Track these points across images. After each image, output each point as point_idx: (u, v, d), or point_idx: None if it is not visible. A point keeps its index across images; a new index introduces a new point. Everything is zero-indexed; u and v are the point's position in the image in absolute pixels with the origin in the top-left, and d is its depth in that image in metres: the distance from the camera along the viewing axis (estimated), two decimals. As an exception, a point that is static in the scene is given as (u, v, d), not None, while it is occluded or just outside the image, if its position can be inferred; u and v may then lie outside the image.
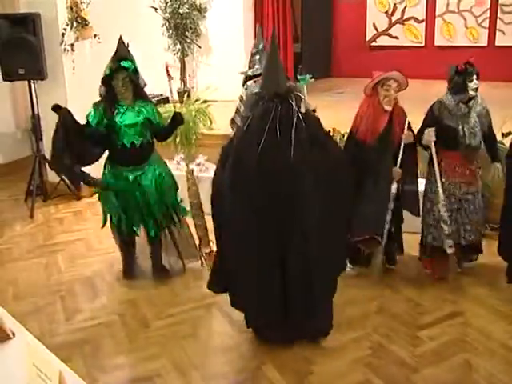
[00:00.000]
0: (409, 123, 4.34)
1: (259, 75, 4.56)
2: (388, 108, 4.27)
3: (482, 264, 4.72)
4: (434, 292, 4.37)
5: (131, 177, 4.43)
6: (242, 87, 5.05)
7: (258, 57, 4.68)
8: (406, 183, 4.48)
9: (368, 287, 4.45)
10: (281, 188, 3.26)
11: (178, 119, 4.61)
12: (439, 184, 4.37)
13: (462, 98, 4.28)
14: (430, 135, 4.31)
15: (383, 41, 10.60)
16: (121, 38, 4.37)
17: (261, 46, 4.71)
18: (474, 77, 4.24)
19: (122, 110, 4.37)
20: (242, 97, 5.04)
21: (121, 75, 4.31)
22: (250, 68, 4.80)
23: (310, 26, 10.01)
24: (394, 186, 4.34)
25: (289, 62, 8.85)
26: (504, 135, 5.57)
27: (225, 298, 4.26)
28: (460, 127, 4.30)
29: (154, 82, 7.71)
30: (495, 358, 3.56)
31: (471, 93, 4.26)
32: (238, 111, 4.99)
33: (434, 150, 4.35)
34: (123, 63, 4.30)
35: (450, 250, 4.41)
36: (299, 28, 10.35)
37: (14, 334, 2.34)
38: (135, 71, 4.37)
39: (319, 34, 10.12)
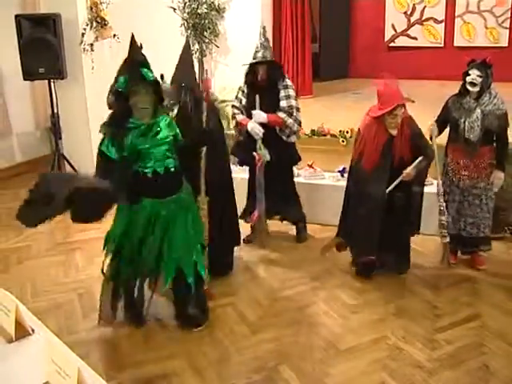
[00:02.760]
0: (420, 160, 4.24)
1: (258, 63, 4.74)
2: (394, 132, 4.27)
3: (499, 267, 4.71)
4: (450, 294, 4.35)
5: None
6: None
7: (259, 50, 4.76)
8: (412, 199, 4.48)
9: (386, 289, 4.44)
10: None
11: (203, 139, 4.01)
12: (438, 176, 4.54)
13: (471, 94, 4.41)
14: (431, 129, 4.55)
15: (402, 41, 10.50)
16: (133, 36, 3.55)
17: (264, 42, 4.79)
18: (473, 71, 4.32)
19: (137, 130, 3.49)
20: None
21: (143, 89, 3.42)
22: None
23: (327, 27, 9.97)
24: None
25: (307, 62, 8.83)
26: None
27: (241, 298, 4.32)
28: (462, 120, 4.44)
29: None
30: (512, 362, 3.53)
31: (468, 86, 4.38)
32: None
33: (435, 142, 4.52)
34: (145, 72, 3.41)
35: (444, 240, 4.55)
36: (317, 28, 10.33)
37: (33, 331, 2.38)
38: (157, 81, 3.51)
39: (337, 35, 10.08)
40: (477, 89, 4.36)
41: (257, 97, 4.77)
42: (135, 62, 3.43)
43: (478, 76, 4.33)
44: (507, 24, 10.07)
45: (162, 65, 7.28)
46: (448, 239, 4.53)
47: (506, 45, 10.03)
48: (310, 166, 5.67)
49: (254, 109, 4.79)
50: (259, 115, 4.77)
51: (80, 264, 5.02)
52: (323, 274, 4.72)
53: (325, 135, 5.98)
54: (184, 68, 4.14)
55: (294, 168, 5.22)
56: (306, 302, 4.30)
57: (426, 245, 4.99)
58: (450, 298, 4.28)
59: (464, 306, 4.19)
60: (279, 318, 4.11)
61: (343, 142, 5.79)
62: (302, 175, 5.54)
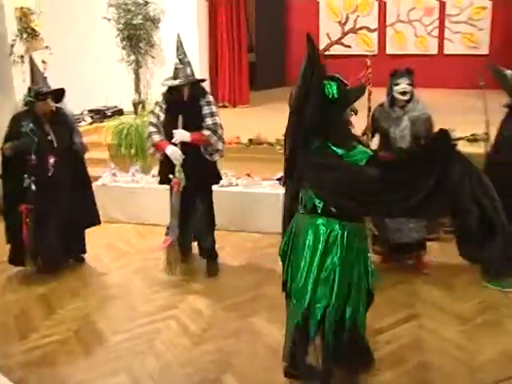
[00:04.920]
0: None
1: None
2: None
3: (435, 266, 4.84)
4: (389, 296, 4.42)
5: None
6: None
7: (180, 67, 4.54)
8: None
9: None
10: None
11: None
12: None
13: (395, 101, 4.52)
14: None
15: (337, 50, 10.76)
16: None
17: (184, 58, 4.58)
18: (402, 80, 4.42)
19: None
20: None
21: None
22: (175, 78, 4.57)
23: (264, 36, 10.08)
24: None
25: (243, 72, 8.89)
26: (468, 140, 5.74)
27: (183, 310, 4.28)
28: (392, 130, 4.53)
29: (109, 94, 7.68)
30: (449, 359, 3.64)
31: (397, 96, 4.48)
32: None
33: None
34: None
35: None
36: (254, 38, 10.41)
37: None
38: None
39: (273, 44, 10.20)
40: (407, 97, 4.49)
41: (180, 117, 4.51)
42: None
43: (407, 84, 4.46)
44: (436, 33, 10.47)
45: (97, 76, 7.21)
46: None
47: (436, 53, 10.42)
48: (248, 175, 5.70)
49: (175, 128, 4.52)
50: (182, 135, 4.51)
51: (13, 285, 4.87)
52: (264, 282, 4.72)
53: (262, 144, 6.01)
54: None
55: (232, 177, 5.19)
56: (249, 311, 4.30)
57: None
58: (388, 300, 4.35)
59: (403, 307, 4.28)
60: (222, 328, 4.09)
61: (280, 150, 5.82)
62: (240, 184, 5.55)
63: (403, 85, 4.46)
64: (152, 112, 4.78)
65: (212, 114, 4.63)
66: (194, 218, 4.76)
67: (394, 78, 4.51)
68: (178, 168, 4.55)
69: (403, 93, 4.48)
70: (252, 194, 5.62)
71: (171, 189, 4.66)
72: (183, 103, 4.59)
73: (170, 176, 4.59)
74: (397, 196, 2.83)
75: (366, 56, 4.46)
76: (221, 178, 4.98)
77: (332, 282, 3.02)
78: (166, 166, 4.66)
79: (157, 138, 4.63)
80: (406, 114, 4.51)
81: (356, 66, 10.08)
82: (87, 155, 5.15)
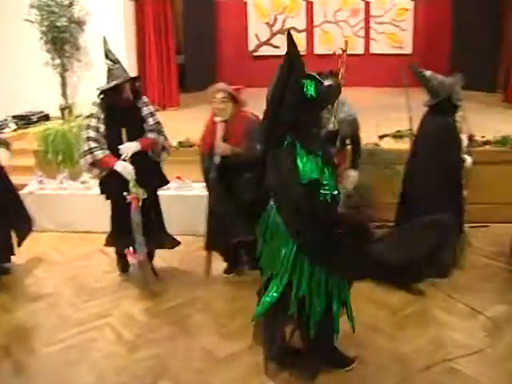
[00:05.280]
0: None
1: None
2: (218, 119, 4.29)
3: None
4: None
5: None
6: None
7: (114, 67, 4.33)
8: None
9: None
10: None
11: None
12: None
13: None
14: None
15: (266, 50, 10.86)
16: None
17: (115, 57, 4.39)
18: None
19: None
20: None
21: None
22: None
23: (192, 38, 10.02)
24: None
25: (172, 74, 8.83)
26: (380, 138, 5.92)
27: (117, 317, 4.21)
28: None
29: (34, 99, 7.44)
30: (382, 351, 3.74)
31: None
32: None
33: None
34: None
35: None
36: (182, 39, 10.35)
37: None
38: None
39: (202, 45, 10.15)
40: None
41: (123, 130, 4.33)
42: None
43: None
44: (362, 33, 10.76)
45: (21, 80, 6.97)
46: None
47: (362, 52, 10.70)
48: (179, 178, 5.66)
49: (119, 140, 4.34)
50: (130, 148, 4.34)
51: None
52: (197, 284, 4.72)
53: (192, 146, 5.99)
54: None
55: None
56: (183, 315, 4.28)
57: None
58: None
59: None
60: (157, 333, 4.05)
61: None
62: (171, 187, 5.51)
63: None
64: (88, 126, 4.41)
65: (152, 114, 4.55)
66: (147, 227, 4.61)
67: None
68: (132, 183, 4.37)
69: None
70: (183, 196, 5.61)
71: (117, 204, 4.52)
72: (122, 109, 4.36)
73: (125, 194, 4.38)
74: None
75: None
76: (168, 181, 4.89)
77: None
78: (114, 181, 4.40)
79: (100, 154, 4.32)
80: (332, 116, 4.57)
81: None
82: (12, 163, 4.97)
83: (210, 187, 4.39)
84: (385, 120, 6.25)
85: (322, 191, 3.02)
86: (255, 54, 10.88)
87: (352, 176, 4.66)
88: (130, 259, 4.76)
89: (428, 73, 4.59)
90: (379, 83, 9.78)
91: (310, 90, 2.97)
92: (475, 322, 4.07)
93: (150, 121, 4.49)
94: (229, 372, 3.58)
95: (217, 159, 4.17)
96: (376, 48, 10.70)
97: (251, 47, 10.91)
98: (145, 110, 4.50)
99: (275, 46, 10.84)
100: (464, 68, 5.42)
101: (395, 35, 10.74)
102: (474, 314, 4.18)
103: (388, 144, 5.88)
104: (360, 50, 10.73)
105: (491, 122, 6.83)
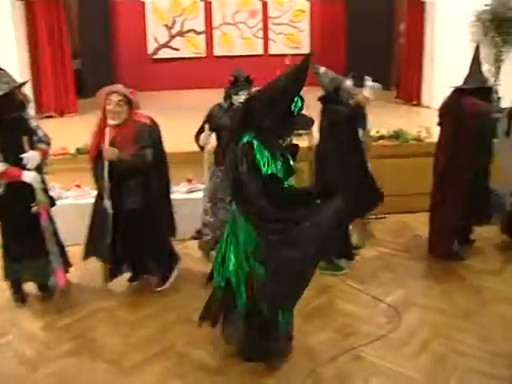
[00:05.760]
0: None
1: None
2: (112, 123, 4.15)
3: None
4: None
5: None
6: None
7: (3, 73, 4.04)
8: None
9: (164, 301, 4.44)
10: None
11: None
12: (206, 182, 4.79)
13: (228, 104, 4.61)
14: (205, 138, 4.64)
15: (165, 53, 10.76)
16: None
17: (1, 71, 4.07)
18: (242, 92, 4.48)
19: None
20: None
21: None
22: None
23: (88, 42, 9.75)
24: (106, 201, 4.21)
25: (68, 80, 8.54)
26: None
27: (17, 335, 4.00)
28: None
29: None
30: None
31: (237, 104, 4.51)
32: None
33: (207, 150, 4.74)
34: None
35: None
36: (77, 44, 10.02)
37: None
38: None
39: (99, 49, 9.91)
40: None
41: (24, 138, 4.07)
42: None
43: (247, 95, 4.52)
44: (260, 34, 10.91)
45: None
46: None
47: (262, 53, 10.86)
48: (78, 186, 5.47)
49: (17, 151, 4.06)
50: (34, 158, 4.10)
51: None
52: (98, 296, 4.56)
53: (90, 153, 5.79)
54: None
55: (61, 190, 4.93)
56: (86, 327, 4.13)
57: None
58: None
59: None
60: (59, 348, 3.87)
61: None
62: (69, 196, 5.31)
63: (243, 96, 4.49)
64: None
65: (38, 126, 4.33)
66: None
67: (235, 88, 4.51)
68: (40, 192, 4.14)
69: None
70: (83, 205, 5.37)
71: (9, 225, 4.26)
72: (12, 119, 4.06)
73: (33, 205, 4.11)
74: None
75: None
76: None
77: None
78: (12, 196, 4.11)
79: (1, 166, 4.00)
80: None
81: (185, 68, 10.30)
82: None
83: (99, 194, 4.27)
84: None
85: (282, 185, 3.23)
86: (154, 56, 10.74)
87: None
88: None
89: (322, 69, 4.76)
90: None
91: (297, 107, 3.20)
92: (378, 310, 4.24)
93: (40, 132, 4.28)
94: (138, 381, 3.49)
95: (106, 164, 4.06)
96: (275, 48, 10.90)
97: (150, 50, 10.77)
98: (33, 122, 4.30)
99: (175, 49, 10.76)
100: (359, 66, 5.63)
101: (293, 36, 11.00)
102: (376, 302, 4.34)
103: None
104: (259, 51, 10.89)
105: (386, 117, 7.14)
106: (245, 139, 3.17)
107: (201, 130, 4.73)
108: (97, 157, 4.18)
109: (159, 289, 4.59)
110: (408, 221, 5.92)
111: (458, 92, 4.78)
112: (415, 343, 3.82)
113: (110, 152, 4.08)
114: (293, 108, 3.19)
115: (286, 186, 3.29)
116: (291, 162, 3.39)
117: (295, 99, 3.18)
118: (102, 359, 3.72)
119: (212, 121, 4.67)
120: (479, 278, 4.74)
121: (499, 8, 7.85)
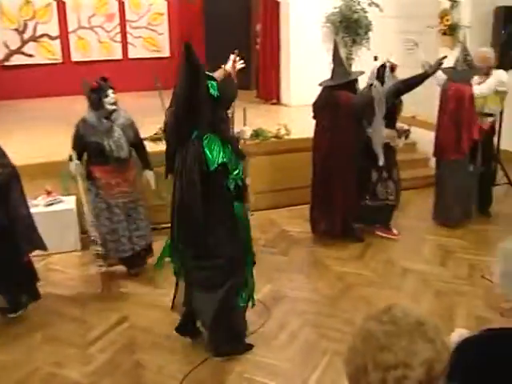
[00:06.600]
0: None
1: None
2: None
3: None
4: (96, 306, 4.38)
5: None
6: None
7: None
8: None
9: (31, 319, 4.20)
10: None
11: None
12: (85, 202, 4.55)
13: (102, 113, 4.42)
14: (75, 169, 4.48)
15: (19, 59, 10.15)
16: None
17: None
18: (110, 91, 4.39)
19: None
20: None
21: None
22: None
23: None
24: None
25: None
26: (152, 140, 5.96)
27: None
28: (106, 142, 4.43)
29: None
30: (161, 351, 3.77)
31: (109, 107, 4.41)
32: None
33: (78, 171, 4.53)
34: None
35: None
36: None
37: None
38: None
39: None
40: (116, 106, 4.46)
41: None
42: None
43: (113, 93, 4.42)
44: (119, 38, 10.68)
45: None
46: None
47: (121, 57, 10.64)
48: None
49: None
50: None
51: None
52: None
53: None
54: None
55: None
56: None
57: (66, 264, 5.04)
58: (96, 309, 4.31)
59: (111, 312, 4.26)
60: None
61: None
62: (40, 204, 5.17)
63: (112, 95, 4.38)
64: None
65: None
66: None
67: (102, 90, 4.37)
68: None
69: (114, 103, 4.44)
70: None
71: None
72: None
73: None
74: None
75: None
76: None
77: None
78: None
79: None
80: (114, 124, 4.46)
81: (40, 75, 9.79)
82: None
83: None
84: (148, 123, 6.24)
85: (231, 176, 3.36)
86: (6, 63, 10.10)
87: (150, 176, 4.80)
88: None
89: None
90: (139, 87, 9.55)
91: (214, 89, 3.29)
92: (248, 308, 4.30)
93: None
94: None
95: None
96: (134, 53, 10.73)
97: (0, 56, 10.11)
98: None
99: (28, 55, 10.20)
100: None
101: (153, 39, 10.89)
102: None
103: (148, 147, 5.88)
104: (118, 56, 10.66)
105: (248, 116, 7.26)
106: (193, 136, 3.25)
107: (70, 158, 4.51)
108: None
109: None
110: (274, 217, 6.12)
111: (328, 88, 5.18)
112: (285, 334, 3.95)
113: None
114: (212, 92, 3.27)
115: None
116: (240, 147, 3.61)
117: (207, 84, 3.26)
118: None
119: (81, 142, 4.47)
120: (341, 264, 5.02)
121: (346, 11, 8.35)
